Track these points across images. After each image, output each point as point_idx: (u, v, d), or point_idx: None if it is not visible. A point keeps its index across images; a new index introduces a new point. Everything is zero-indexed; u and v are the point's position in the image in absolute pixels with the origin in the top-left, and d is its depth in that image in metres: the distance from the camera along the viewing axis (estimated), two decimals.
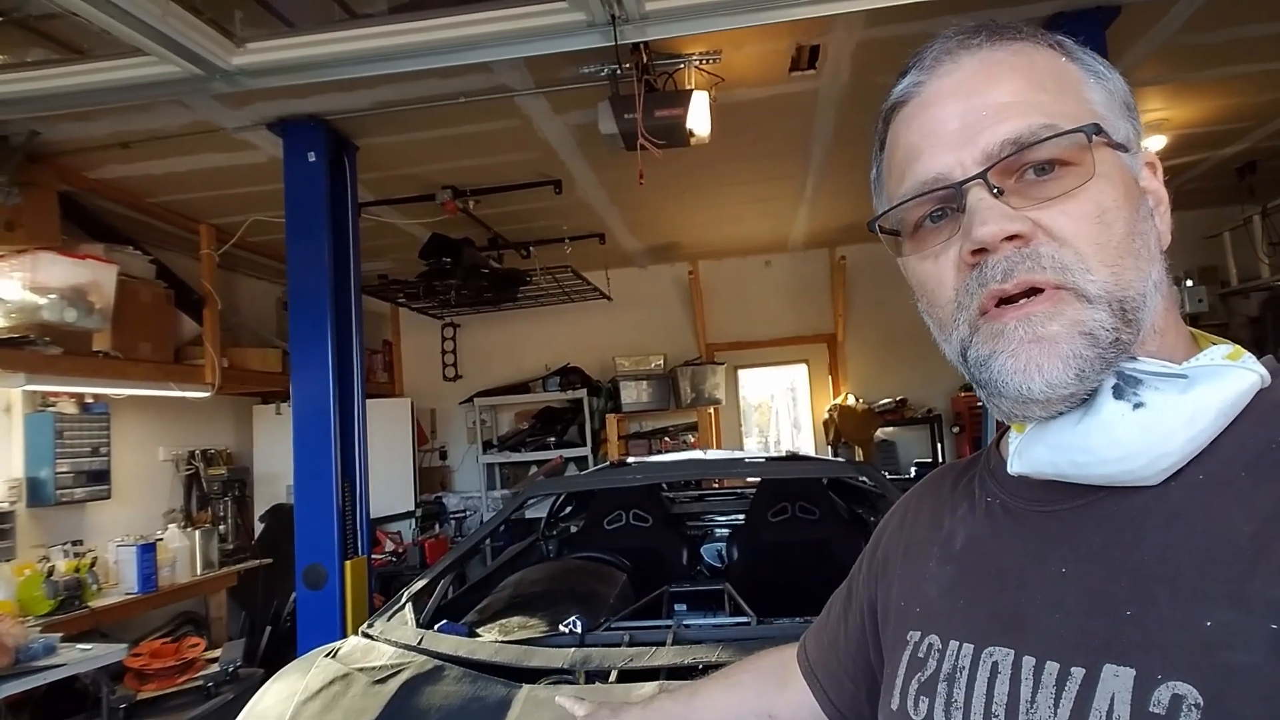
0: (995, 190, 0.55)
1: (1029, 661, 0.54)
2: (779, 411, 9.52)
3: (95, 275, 3.67)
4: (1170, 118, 4.17)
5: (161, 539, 4.22)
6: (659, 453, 6.26)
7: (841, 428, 6.39)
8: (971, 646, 0.59)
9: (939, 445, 6.54)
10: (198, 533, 4.49)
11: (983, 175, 0.55)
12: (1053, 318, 0.53)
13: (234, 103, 3.26)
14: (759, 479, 3.86)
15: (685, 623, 2.06)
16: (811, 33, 3.04)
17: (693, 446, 6.48)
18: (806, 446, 7.11)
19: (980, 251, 0.55)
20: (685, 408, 6.56)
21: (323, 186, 3.52)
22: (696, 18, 2.53)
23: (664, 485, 4.28)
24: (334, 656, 1.97)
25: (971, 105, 0.57)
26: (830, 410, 6.58)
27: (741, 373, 7.14)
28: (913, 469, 6.40)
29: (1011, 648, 0.56)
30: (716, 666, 1.78)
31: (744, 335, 6.95)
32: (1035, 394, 0.54)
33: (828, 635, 0.86)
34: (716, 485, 5.05)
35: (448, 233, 4.91)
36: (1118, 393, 0.53)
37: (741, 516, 3.95)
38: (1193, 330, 0.61)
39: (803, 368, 7.09)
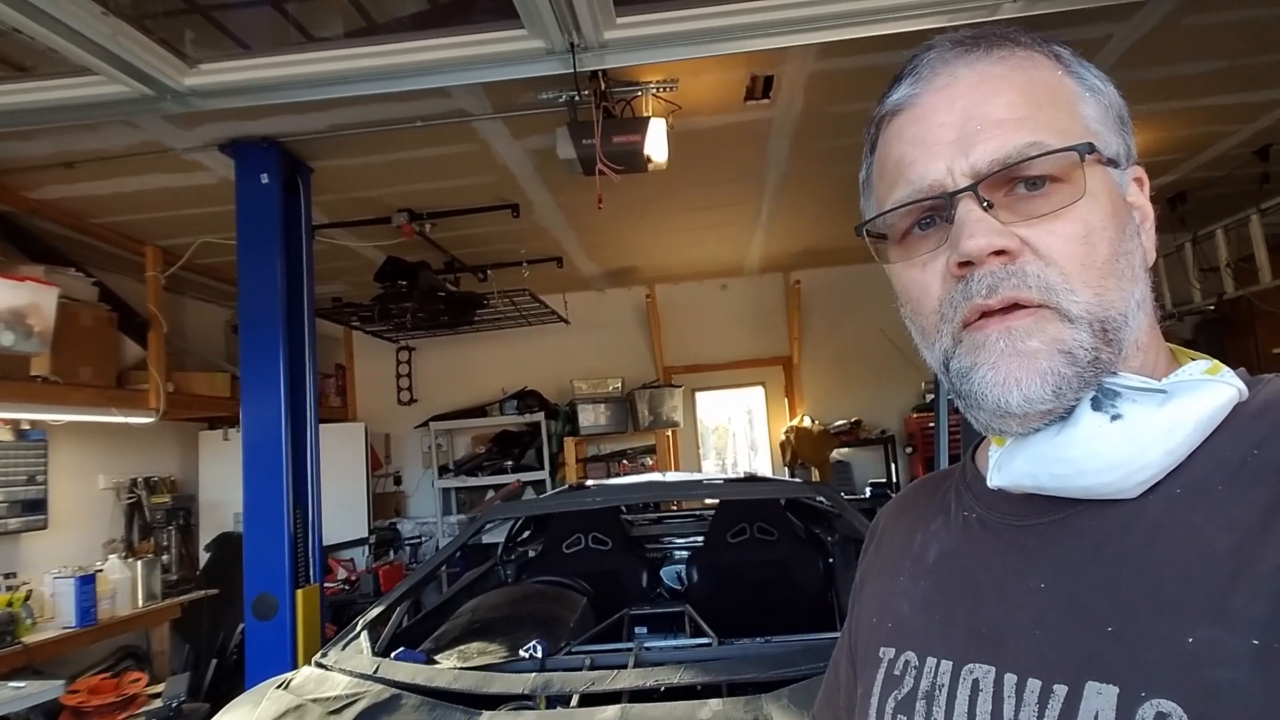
0: (985, 204, 0.56)
1: (1010, 679, 0.54)
2: (736, 434, 9.60)
3: (35, 298, 3.54)
4: None
5: (101, 570, 4.06)
6: (617, 475, 6.25)
7: (798, 449, 6.46)
8: (950, 663, 0.58)
9: (893, 465, 6.66)
10: (140, 563, 4.34)
11: (973, 188, 0.55)
12: (1033, 334, 0.54)
13: (184, 123, 3.20)
14: (718, 501, 3.88)
15: (646, 645, 2.05)
16: (766, 64, 3.11)
17: (651, 469, 6.49)
18: (763, 468, 7.17)
19: (967, 264, 0.55)
20: (643, 430, 6.57)
21: (276, 209, 3.47)
22: (654, 47, 2.58)
23: (623, 508, 4.28)
24: (286, 688, 1.92)
25: (966, 118, 0.57)
26: (787, 432, 6.65)
27: (699, 395, 7.19)
28: (868, 489, 6.49)
29: (992, 664, 0.55)
30: (679, 688, 1.78)
31: (701, 358, 7.00)
32: (1013, 408, 0.54)
33: (831, 689, 0.82)
34: (675, 507, 5.05)
35: (404, 255, 4.87)
36: (1096, 405, 0.54)
37: (700, 538, 3.96)
38: (1171, 346, 0.62)
39: (759, 390, 7.17)
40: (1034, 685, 0.52)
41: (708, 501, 4.86)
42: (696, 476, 4.43)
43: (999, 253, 0.54)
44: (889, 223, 0.62)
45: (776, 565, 3.39)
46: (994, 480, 0.60)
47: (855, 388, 6.79)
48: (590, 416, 6.48)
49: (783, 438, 6.72)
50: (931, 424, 5.70)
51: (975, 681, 0.56)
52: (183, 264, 4.52)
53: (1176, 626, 0.47)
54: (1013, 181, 0.56)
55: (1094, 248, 0.55)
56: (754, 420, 7.77)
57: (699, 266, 6.56)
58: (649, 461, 6.64)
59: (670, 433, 6.70)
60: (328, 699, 1.81)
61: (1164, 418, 0.52)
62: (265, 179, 3.43)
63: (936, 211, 0.58)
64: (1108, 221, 0.56)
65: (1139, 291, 0.57)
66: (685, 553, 4.03)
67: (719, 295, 7.07)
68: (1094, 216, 0.55)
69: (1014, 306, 0.54)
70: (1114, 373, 0.55)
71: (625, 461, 6.68)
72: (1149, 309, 0.59)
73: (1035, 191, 0.56)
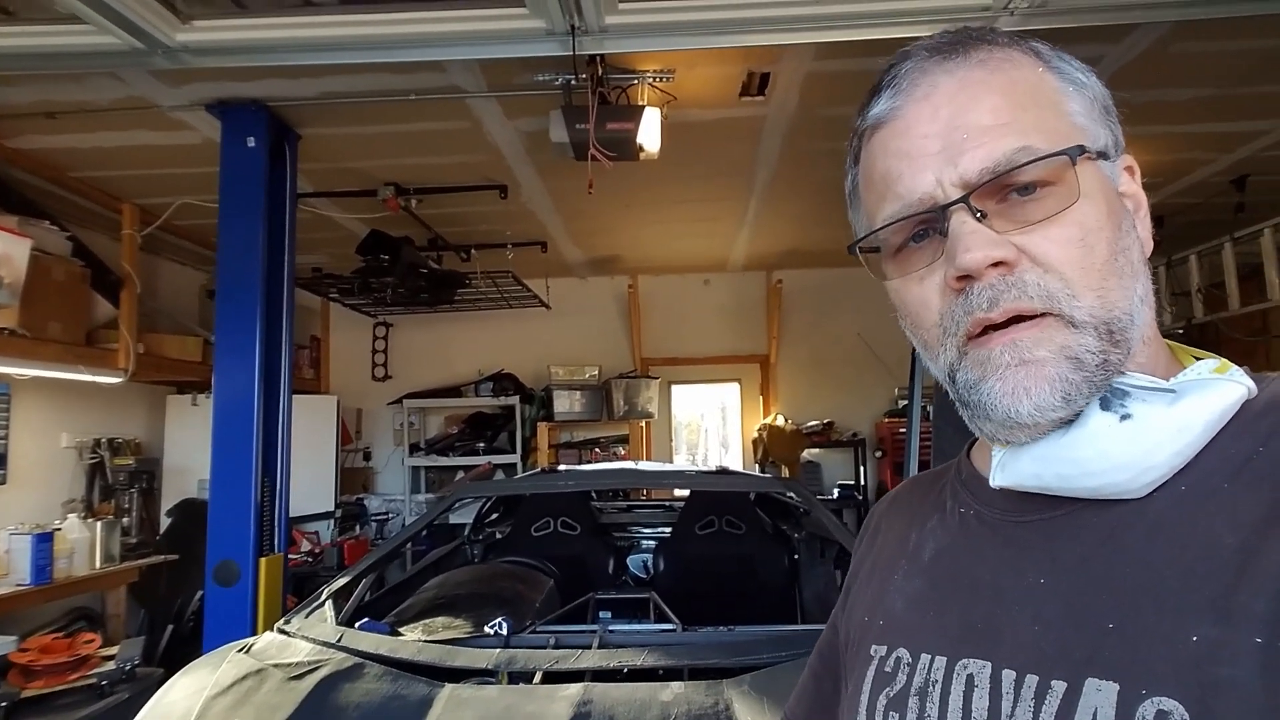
0: (978, 214, 0.54)
1: (1008, 675, 0.53)
2: (708, 430, 9.64)
3: (6, 248, 3.47)
4: None
5: (60, 529, 3.99)
6: (589, 463, 6.26)
7: (770, 447, 6.52)
8: (944, 659, 0.57)
9: (862, 468, 6.74)
10: (100, 524, 4.26)
11: (964, 200, 0.54)
12: (1039, 343, 0.53)
13: (172, 80, 3.15)
14: (688, 493, 3.91)
15: (611, 628, 2.07)
16: (763, 60, 3.13)
17: (623, 458, 6.51)
18: (735, 465, 7.22)
19: (965, 278, 0.54)
20: (617, 420, 6.58)
21: (261, 174, 3.42)
22: (654, 35, 2.58)
23: (593, 495, 4.29)
24: (247, 652, 1.91)
25: (951, 127, 0.56)
26: (760, 429, 6.71)
27: (675, 388, 7.22)
28: (836, 490, 6.57)
29: (988, 660, 0.54)
30: (642, 670, 1.80)
31: (679, 351, 7.03)
32: (1023, 418, 0.53)
33: (810, 684, 0.79)
34: (645, 496, 5.08)
35: (387, 230, 4.83)
36: (1105, 404, 0.53)
37: (668, 529, 3.99)
38: (1168, 342, 0.61)
39: (735, 386, 7.21)
40: (1031, 681, 0.51)
41: (677, 493, 4.89)
42: (669, 467, 4.45)
43: (997, 264, 0.53)
44: (881, 237, 0.60)
45: (743, 559, 3.43)
46: (997, 480, 0.59)
47: (829, 390, 6.86)
48: (565, 403, 6.48)
49: (755, 435, 6.77)
50: (902, 429, 5.78)
51: (970, 677, 0.55)
52: (160, 224, 4.45)
53: (1179, 624, 0.47)
54: (1005, 188, 0.55)
55: (1092, 249, 0.54)
56: (727, 416, 7.82)
57: (683, 260, 6.58)
58: (621, 451, 6.66)
59: (644, 424, 6.72)
60: (289, 664, 1.80)
61: (1174, 418, 0.52)
62: (252, 142, 3.38)
63: (929, 224, 0.57)
64: (1104, 221, 0.55)
65: (1140, 287, 0.56)
66: (652, 542, 4.05)
67: (701, 290, 7.10)
68: (1089, 218, 0.54)
69: (1017, 318, 0.53)
70: (1123, 371, 0.54)
71: (598, 450, 6.69)
72: (1151, 302, 0.58)
73: (1028, 196, 0.55)
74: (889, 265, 0.61)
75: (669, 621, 2.18)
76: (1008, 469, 0.57)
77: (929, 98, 0.57)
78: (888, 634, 0.64)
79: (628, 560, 3.97)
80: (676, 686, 1.70)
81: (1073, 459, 0.53)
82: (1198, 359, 0.57)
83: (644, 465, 4.48)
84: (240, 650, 1.92)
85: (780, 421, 6.64)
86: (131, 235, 4.46)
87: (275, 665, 1.81)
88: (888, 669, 0.62)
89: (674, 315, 7.04)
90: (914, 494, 0.73)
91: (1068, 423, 0.54)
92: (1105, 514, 0.53)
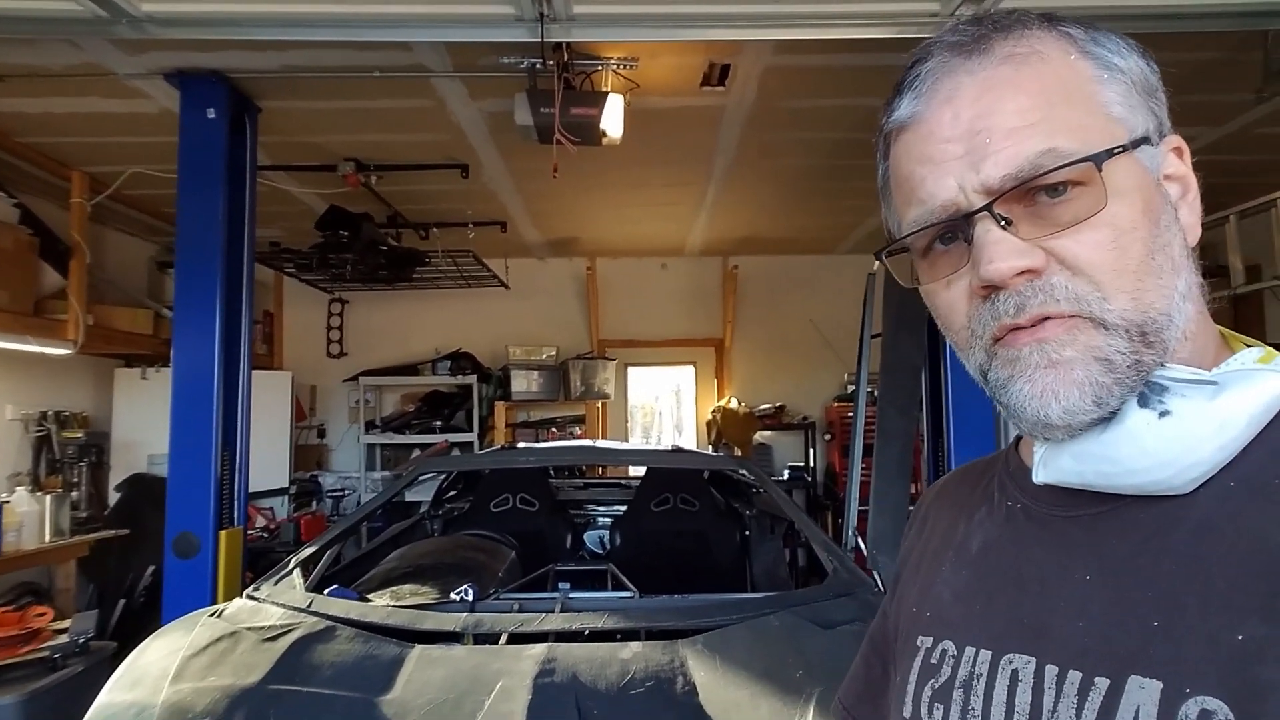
0: (1003, 221, 0.53)
1: (1051, 670, 0.52)
2: (662, 413, 9.80)
3: None
4: None
5: (9, 502, 3.94)
6: (546, 442, 6.34)
7: (723, 429, 6.68)
8: (989, 653, 0.57)
9: (811, 451, 6.96)
10: (49, 498, 4.21)
11: (988, 208, 0.53)
12: (1066, 344, 0.52)
13: (131, 48, 3.11)
14: (644, 471, 4.03)
15: (571, 595, 2.17)
16: (724, 52, 3.22)
17: (580, 438, 6.61)
18: (689, 446, 7.38)
19: (991, 286, 0.54)
20: (574, 400, 6.67)
21: (221, 146, 3.40)
22: (620, 25, 2.66)
23: (551, 472, 4.38)
24: (219, 616, 1.96)
25: (973, 131, 0.54)
26: (714, 412, 6.87)
27: (631, 370, 7.32)
28: (786, 471, 6.77)
29: (1033, 655, 0.54)
30: (601, 633, 1.91)
31: (636, 334, 7.13)
32: (1054, 420, 0.53)
33: (861, 669, 0.79)
34: (601, 475, 5.19)
35: (346, 206, 4.82)
36: (1143, 401, 0.52)
37: (624, 507, 4.11)
38: (1222, 330, 0.59)
39: (690, 369, 7.36)
40: (1074, 677, 0.51)
41: (633, 472, 5.01)
42: (627, 445, 4.55)
43: (1024, 272, 0.52)
44: (907, 241, 0.60)
45: (696, 535, 3.56)
46: (1039, 476, 0.59)
47: (782, 374, 7.05)
48: (523, 382, 6.55)
49: (709, 417, 6.93)
50: (850, 414, 5.98)
51: (1014, 672, 0.55)
52: (111, 193, 4.37)
53: (1226, 622, 0.46)
54: (1032, 191, 0.53)
55: (1125, 250, 0.52)
56: (682, 399, 7.96)
57: (641, 243, 6.67)
58: (578, 431, 6.75)
59: (600, 404, 6.82)
60: (262, 628, 1.87)
61: (1216, 412, 0.50)
62: (212, 114, 3.36)
63: (955, 229, 0.56)
64: (1139, 219, 0.53)
65: (1182, 282, 0.54)
66: (609, 519, 4.16)
67: (658, 273, 7.20)
68: (1122, 218, 0.53)
69: (1044, 319, 0.53)
70: (1161, 364, 0.53)
71: (554, 429, 6.77)
72: (1196, 295, 0.56)
73: (1058, 198, 0.53)
74: (920, 268, 0.60)
75: (626, 590, 2.29)
76: (1049, 465, 0.57)
77: (951, 101, 0.56)
78: (934, 626, 0.64)
79: (585, 536, 4.08)
80: (635, 646, 1.81)
81: (1113, 457, 0.53)
82: (1249, 346, 0.56)
83: (602, 443, 4.58)
84: (212, 615, 1.98)
85: (734, 404, 6.81)
86: (80, 204, 4.37)
87: (248, 629, 1.87)
88: (933, 661, 0.62)
89: (631, 298, 7.13)
90: (962, 485, 0.72)
91: (1105, 420, 0.53)
92: (1151, 510, 0.53)
